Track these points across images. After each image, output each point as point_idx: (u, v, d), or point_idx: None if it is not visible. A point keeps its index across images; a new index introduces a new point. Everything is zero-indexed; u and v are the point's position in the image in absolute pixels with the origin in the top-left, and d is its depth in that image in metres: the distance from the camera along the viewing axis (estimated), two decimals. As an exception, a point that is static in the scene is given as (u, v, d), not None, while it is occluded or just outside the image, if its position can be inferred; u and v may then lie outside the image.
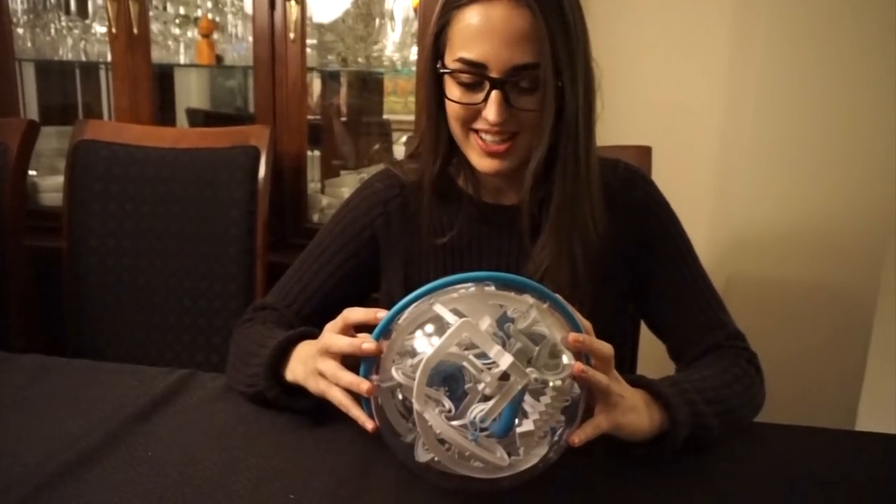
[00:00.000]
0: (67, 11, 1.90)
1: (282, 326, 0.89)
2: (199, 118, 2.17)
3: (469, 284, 0.63)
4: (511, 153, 0.82)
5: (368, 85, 2.11)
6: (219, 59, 1.86)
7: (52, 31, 1.87)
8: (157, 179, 1.40)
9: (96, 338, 1.41)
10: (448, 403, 0.59)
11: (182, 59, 1.89)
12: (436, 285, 0.62)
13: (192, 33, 1.85)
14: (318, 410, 0.77)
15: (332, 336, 0.70)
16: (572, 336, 0.62)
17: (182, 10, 1.87)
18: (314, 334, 0.77)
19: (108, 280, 1.40)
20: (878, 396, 1.48)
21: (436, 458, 0.60)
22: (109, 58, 1.71)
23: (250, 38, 1.68)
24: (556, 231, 0.84)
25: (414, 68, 1.75)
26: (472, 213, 0.90)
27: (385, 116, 2.11)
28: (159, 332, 1.40)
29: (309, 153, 1.75)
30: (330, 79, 2.04)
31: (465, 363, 0.59)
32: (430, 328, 0.61)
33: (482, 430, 0.59)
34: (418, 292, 0.62)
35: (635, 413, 0.69)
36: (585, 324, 0.66)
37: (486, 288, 0.63)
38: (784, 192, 1.65)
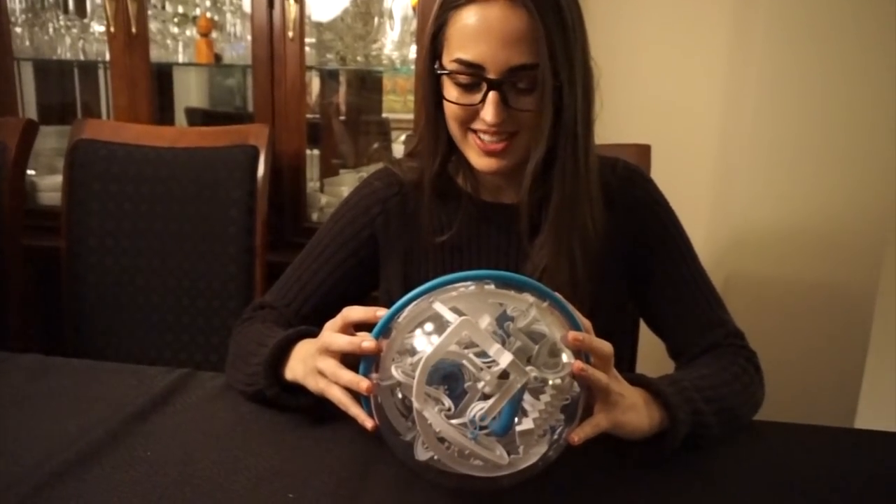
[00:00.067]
0: (66, 10, 1.90)
1: (281, 325, 0.89)
2: (197, 117, 2.17)
3: (469, 283, 0.63)
4: (509, 152, 0.82)
5: (367, 84, 2.11)
6: (217, 58, 1.86)
7: (51, 30, 1.87)
8: (155, 179, 1.40)
9: (95, 337, 1.41)
10: (448, 402, 0.59)
11: (181, 58, 1.89)
12: (435, 284, 0.62)
13: (191, 32, 1.85)
14: (317, 409, 0.77)
15: (332, 335, 0.70)
16: (572, 335, 0.62)
17: (180, 9, 1.87)
18: (314, 333, 0.76)
19: (107, 279, 1.40)
20: (877, 395, 1.48)
21: (435, 457, 0.60)
22: (108, 57, 1.71)
23: (249, 37, 1.68)
24: (556, 230, 0.84)
25: (413, 67, 1.75)
26: (472, 212, 0.90)
27: (384, 115, 2.10)
28: (158, 332, 1.40)
29: (308, 152, 1.75)
30: (329, 77, 2.04)
31: (464, 361, 0.59)
32: (429, 327, 0.61)
33: (482, 428, 0.59)
34: (418, 291, 0.62)
35: (635, 412, 0.69)
36: (585, 322, 0.66)
37: (486, 286, 0.63)
38: (783, 190, 1.65)
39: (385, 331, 0.64)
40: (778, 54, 1.60)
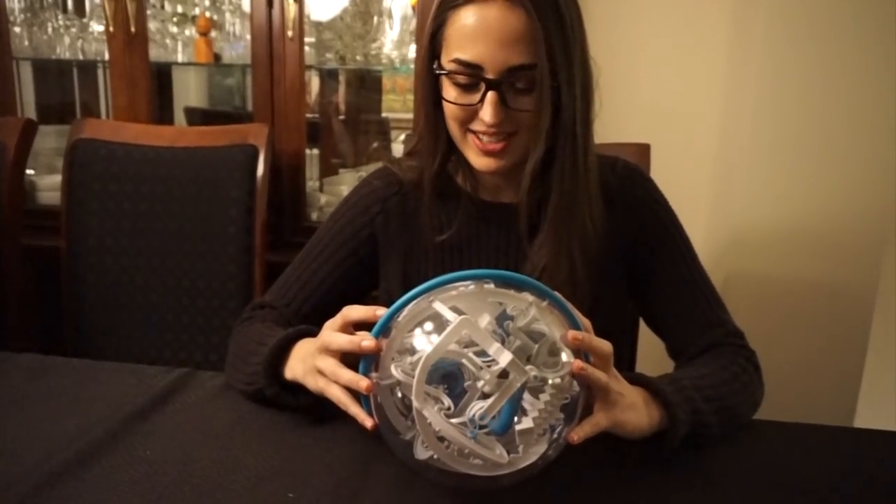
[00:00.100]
0: (65, 10, 1.90)
1: (281, 325, 0.89)
2: (197, 117, 2.17)
3: (468, 282, 0.63)
4: (508, 152, 0.82)
5: (367, 83, 2.11)
6: (217, 57, 1.85)
7: (50, 29, 1.86)
8: (155, 178, 1.40)
9: (95, 337, 1.41)
10: (447, 401, 0.59)
11: (180, 58, 1.89)
12: (435, 283, 0.62)
13: (190, 32, 1.85)
14: (317, 409, 0.77)
15: (332, 334, 0.70)
16: (571, 334, 0.62)
17: (180, 9, 1.87)
18: (313, 332, 0.76)
19: (107, 279, 1.40)
20: (876, 394, 1.48)
21: (435, 456, 0.60)
22: (107, 56, 1.71)
23: (248, 37, 1.68)
24: (555, 230, 0.84)
25: (412, 66, 1.75)
26: (471, 211, 0.90)
27: (383, 114, 2.10)
28: (158, 331, 1.40)
29: (307, 151, 1.75)
30: (328, 77, 2.04)
31: (464, 360, 0.59)
32: (429, 326, 0.61)
33: (481, 427, 0.59)
34: (418, 290, 0.62)
35: (634, 411, 0.69)
36: (585, 322, 0.66)
37: (486, 286, 0.63)
38: (783, 190, 1.65)
39: (385, 330, 0.64)
40: (778, 53, 1.60)
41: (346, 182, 1.89)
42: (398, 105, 2.06)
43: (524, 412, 0.60)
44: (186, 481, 0.67)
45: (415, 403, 0.58)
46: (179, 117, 2.12)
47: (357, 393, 0.66)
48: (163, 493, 0.65)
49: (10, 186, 1.37)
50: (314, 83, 1.98)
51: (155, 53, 1.77)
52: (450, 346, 0.58)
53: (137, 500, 0.64)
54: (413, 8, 1.74)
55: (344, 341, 0.68)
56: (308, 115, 1.72)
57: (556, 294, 0.64)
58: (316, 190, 1.87)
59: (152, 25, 1.78)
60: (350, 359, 0.69)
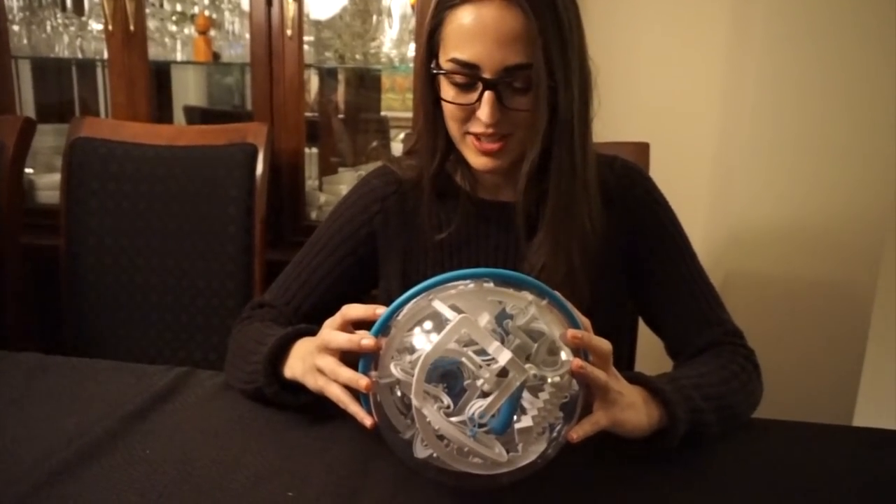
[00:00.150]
0: (63, 8, 1.89)
1: (280, 324, 0.89)
2: (196, 115, 2.17)
3: (468, 281, 0.63)
4: (505, 151, 0.82)
5: (366, 82, 2.11)
6: (216, 56, 1.85)
7: (48, 28, 1.86)
8: (154, 177, 1.40)
9: (94, 336, 1.41)
10: (447, 399, 0.59)
11: (179, 57, 1.89)
12: (434, 282, 0.62)
13: (189, 30, 1.85)
14: (316, 407, 0.77)
15: (331, 332, 0.70)
16: (571, 332, 0.62)
17: (179, 7, 1.87)
18: (313, 331, 0.76)
19: (106, 278, 1.40)
20: (875, 392, 1.49)
21: (434, 455, 0.60)
22: (106, 55, 1.70)
23: (247, 35, 1.68)
24: (553, 230, 0.84)
25: (411, 65, 1.75)
26: (470, 210, 0.90)
27: (383, 113, 2.10)
28: (157, 330, 1.40)
29: (307, 150, 1.75)
30: (327, 76, 2.04)
31: (463, 359, 0.59)
32: (428, 325, 0.61)
33: (481, 426, 0.59)
34: (417, 289, 0.62)
35: (634, 410, 0.70)
36: (584, 321, 0.66)
37: (485, 284, 0.63)
38: (782, 189, 1.65)
39: (384, 329, 0.64)
40: (777, 52, 1.60)
41: (345, 181, 1.89)
42: (397, 104, 2.06)
43: (523, 411, 0.60)
44: (186, 480, 0.67)
45: (414, 402, 0.58)
46: (178, 116, 2.12)
47: (356, 391, 0.66)
48: (162, 493, 0.65)
49: (9, 185, 1.37)
50: (313, 82, 1.98)
51: (154, 52, 1.77)
52: (449, 345, 0.58)
53: (137, 499, 0.64)
54: (412, 7, 1.74)
55: (343, 340, 0.68)
56: (307, 114, 1.72)
57: (556, 293, 0.64)
58: (315, 189, 1.87)
59: (151, 24, 1.78)
60: (349, 357, 0.69)
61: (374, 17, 1.80)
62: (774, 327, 1.67)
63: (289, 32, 1.60)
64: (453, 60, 0.78)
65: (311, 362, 0.73)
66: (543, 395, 0.59)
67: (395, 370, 0.61)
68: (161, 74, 1.96)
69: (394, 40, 1.80)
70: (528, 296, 0.62)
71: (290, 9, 1.59)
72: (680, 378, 0.77)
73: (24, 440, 0.73)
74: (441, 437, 0.59)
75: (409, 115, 1.92)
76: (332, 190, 1.87)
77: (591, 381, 0.64)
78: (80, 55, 1.88)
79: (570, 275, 0.83)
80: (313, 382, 0.73)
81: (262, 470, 0.69)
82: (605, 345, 0.65)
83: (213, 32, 1.83)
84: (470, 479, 0.61)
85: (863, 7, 1.53)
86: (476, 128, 0.80)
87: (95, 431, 0.74)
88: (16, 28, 1.83)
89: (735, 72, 1.67)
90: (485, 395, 0.58)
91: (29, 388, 0.84)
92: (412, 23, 1.74)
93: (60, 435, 0.73)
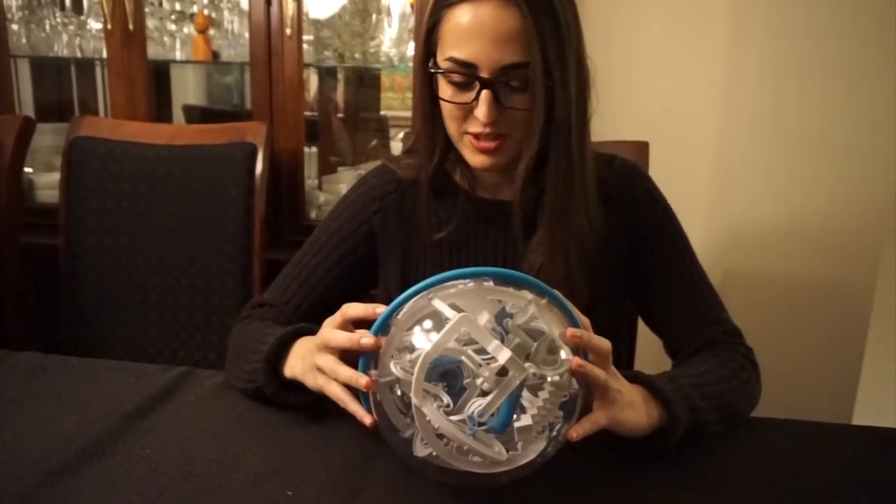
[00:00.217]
0: (62, 7, 1.89)
1: (280, 323, 0.89)
2: (195, 115, 2.17)
3: (467, 280, 0.63)
4: (502, 150, 0.82)
5: (365, 81, 2.11)
6: (215, 55, 1.85)
7: (47, 27, 1.86)
8: (153, 176, 1.40)
9: (93, 335, 1.41)
10: (446, 398, 0.59)
11: (178, 56, 1.89)
12: (434, 280, 0.62)
13: (188, 29, 1.85)
14: (316, 406, 0.77)
15: (331, 331, 0.70)
16: (570, 331, 0.62)
17: (178, 6, 1.86)
18: (313, 330, 0.77)
19: (105, 277, 1.40)
20: (874, 391, 1.49)
21: (434, 453, 0.60)
22: (105, 54, 1.70)
23: (246, 35, 1.68)
24: (550, 229, 0.84)
25: (411, 64, 1.75)
26: (469, 209, 0.90)
27: (382, 112, 2.10)
28: (156, 330, 1.40)
29: (306, 150, 1.75)
30: (327, 75, 2.04)
31: (463, 358, 0.59)
32: (428, 323, 0.61)
33: (480, 424, 0.59)
34: (417, 287, 0.62)
35: (633, 409, 0.70)
36: (584, 320, 0.66)
37: (485, 283, 0.63)
38: (782, 188, 1.65)
39: (384, 327, 0.64)
40: (776, 50, 1.60)
41: (344, 180, 1.89)
42: (397, 103, 2.06)
43: (523, 410, 0.60)
44: (185, 480, 0.67)
45: (414, 401, 0.58)
46: (178, 115, 2.12)
47: (356, 390, 0.67)
48: (162, 492, 0.65)
49: (9, 185, 1.36)
50: (313, 81, 1.98)
51: (153, 51, 1.77)
52: (449, 344, 0.58)
53: (136, 498, 0.64)
54: (411, 6, 1.74)
55: (343, 339, 0.68)
56: (306, 114, 1.72)
57: (555, 292, 0.64)
58: (315, 188, 1.87)
59: (150, 23, 1.77)
60: (349, 356, 0.69)
61: (374, 16, 1.80)
62: (774, 327, 1.67)
63: (288, 31, 1.60)
64: (451, 59, 0.78)
65: (310, 361, 0.73)
66: (543, 394, 0.59)
67: (395, 369, 0.61)
68: (160, 73, 1.96)
69: (393, 39, 1.79)
70: (528, 295, 0.62)
71: (290, 8, 1.58)
72: (679, 377, 0.77)
73: (24, 440, 0.73)
74: (441, 436, 0.59)
75: (409, 114, 1.92)
76: (331, 189, 1.87)
77: (591, 380, 0.64)
78: (79, 54, 1.88)
79: (567, 274, 0.83)
80: (313, 381, 0.73)
81: (262, 469, 0.69)
82: (604, 344, 0.66)
83: (212, 31, 1.83)
84: (469, 478, 0.61)
85: (863, 7, 1.53)
86: (474, 127, 0.80)
87: (95, 431, 0.74)
88: (15, 27, 1.83)
89: (735, 70, 1.67)
90: (484, 393, 0.58)
91: (29, 387, 0.84)
92: (411, 22, 1.74)
93: (60, 435, 0.73)
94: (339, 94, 2.13)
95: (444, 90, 0.81)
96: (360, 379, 0.64)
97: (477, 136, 0.81)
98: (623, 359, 1.21)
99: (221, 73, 2.24)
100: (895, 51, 1.51)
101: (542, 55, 0.75)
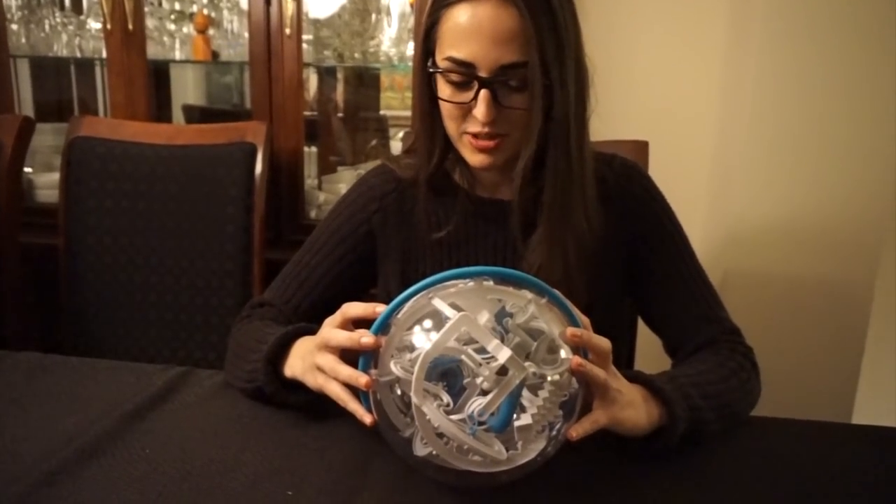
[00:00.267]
0: (62, 7, 1.89)
1: (280, 323, 0.89)
2: (195, 114, 2.17)
3: (467, 279, 0.63)
4: (500, 149, 0.82)
5: (365, 80, 2.11)
6: (215, 55, 1.85)
7: (47, 27, 1.86)
8: (153, 176, 1.40)
9: (93, 335, 1.41)
10: (446, 397, 0.59)
11: (178, 56, 1.89)
12: (434, 280, 0.62)
13: (188, 29, 1.85)
14: (316, 406, 0.77)
15: (331, 330, 0.70)
16: (570, 331, 0.62)
17: (177, 6, 1.86)
18: (313, 330, 0.77)
19: (105, 277, 1.40)
20: (874, 390, 1.49)
21: (434, 453, 0.60)
22: (104, 54, 1.70)
23: (246, 34, 1.68)
24: (549, 229, 0.84)
25: (410, 64, 1.74)
26: (468, 208, 0.90)
27: (381, 112, 2.10)
28: (156, 330, 1.40)
29: (306, 149, 1.74)
30: (326, 75, 2.04)
31: (463, 357, 0.59)
32: (428, 323, 0.61)
33: (480, 424, 0.59)
34: (417, 287, 0.62)
35: (633, 408, 0.70)
36: (584, 319, 0.66)
37: (485, 283, 0.63)
38: (781, 187, 1.65)
39: (384, 327, 0.64)
40: (776, 50, 1.59)
41: (344, 180, 1.89)
42: (396, 102, 2.06)
43: (523, 409, 0.60)
44: (185, 479, 0.67)
45: (414, 400, 0.58)
46: (177, 115, 2.12)
47: (356, 390, 0.67)
48: (162, 492, 0.65)
49: (8, 184, 1.36)
50: (312, 81, 1.98)
51: (153, 51, 1.77)
52: (449, 343, 0.58)
53: (136, 498, 0.64)
54: (411, 5, 1.74)
55: (343, 338, 0.68)
56: (306, 113, 1.72)
57: (555, 291, 0.64)
58: (314, 188, 1.87)
59: (150, 23, 1.77)
60: (349, 356, 0.69)
61: (373, 16, 1.80)
62: (773, 326, 1.67)
63: (287, 31, 1.60)
64: (449, 59, 0.78)
65: (310, 360, 0.73)
66: (543, 394, 0.59)
67: (395, 368, 0.61)
68: (160, 73, 1.96)
69: (393, 39, 1.79)
70: (528, 294, 0.62)
71: (289, 7, 1.58)
72: (679, 376, 0.77)
73: (24, 440, 0.73)
74: (441, 435, 0.59)
75: (408, 113, 1.91)
76: (331, 189, 1.87)
77: (591, 380, 0.64)
78: (78, 54, 1.88)
79: (566, 273, 0.83)
80: (313, 381, 0.73)
81: (262, 469, 0.69)
82: (604, 343, 0.66)
83: (211, 31, 1.83)
84: (469, 477, 0.61)
85: (862, 6, 1.53)
86: (472, 126, 0.80)
87: (95, 431, 0.74)
88: (14, 27, 1.83)
89: (734, 70, 1.67)
90: (484, 393, 0.58)
91: (28, 387, 0.84)
92: (411, 21, 1.74)
93: (60, 434, 0.73)
94: (339, 94, 2.13)
95: (443, 90, 0.81)
96: (360, 378, 0.64)
97: (476, 136, 0.81)
98: (623, 358, 1.20)
99: (221, 72, 2.24)
100: (895, 51, 1.51)
101: (540, 55, 0.75)
